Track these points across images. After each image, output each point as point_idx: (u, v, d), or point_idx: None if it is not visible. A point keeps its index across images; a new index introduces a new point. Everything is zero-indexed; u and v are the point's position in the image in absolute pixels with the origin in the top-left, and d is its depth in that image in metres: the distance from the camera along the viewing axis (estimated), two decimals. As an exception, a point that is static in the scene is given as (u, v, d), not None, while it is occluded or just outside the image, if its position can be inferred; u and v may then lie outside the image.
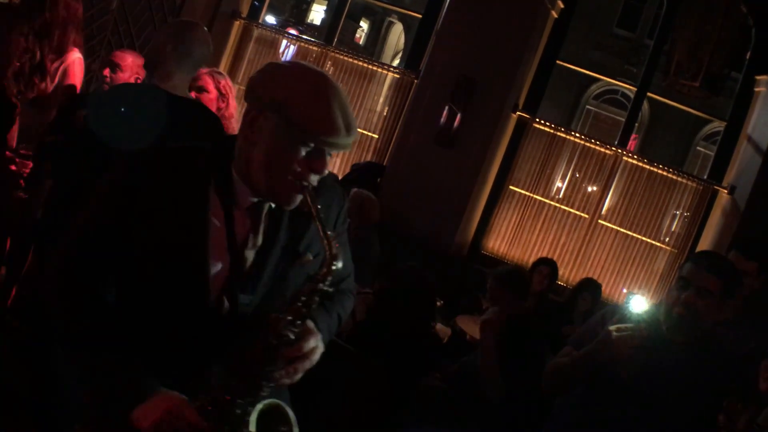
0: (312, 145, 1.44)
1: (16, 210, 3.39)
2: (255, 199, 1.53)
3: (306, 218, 1.52)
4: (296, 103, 1.42)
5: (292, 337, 1.44)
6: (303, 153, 1.44)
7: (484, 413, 3.36)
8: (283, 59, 1.30)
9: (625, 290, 6.19)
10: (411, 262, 3.58)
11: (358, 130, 6.67)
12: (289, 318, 1.43)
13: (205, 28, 2.85)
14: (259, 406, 1.42)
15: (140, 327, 1.52)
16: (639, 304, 2.17)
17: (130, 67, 3.82)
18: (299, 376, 1.49)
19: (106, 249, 1.51)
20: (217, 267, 1.51)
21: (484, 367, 3.33)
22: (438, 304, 3.87)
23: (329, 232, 1.46)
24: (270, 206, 1.56)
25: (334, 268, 1.45)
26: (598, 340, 2.20)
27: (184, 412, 1.38)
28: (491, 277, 3.78)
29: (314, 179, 1.48)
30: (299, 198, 1.49)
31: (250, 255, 1.55)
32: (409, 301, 3.14)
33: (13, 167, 3.51)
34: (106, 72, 3.84)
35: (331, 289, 1.49)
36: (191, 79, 3.27)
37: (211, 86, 3.65)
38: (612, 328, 2.16)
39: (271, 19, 15.08)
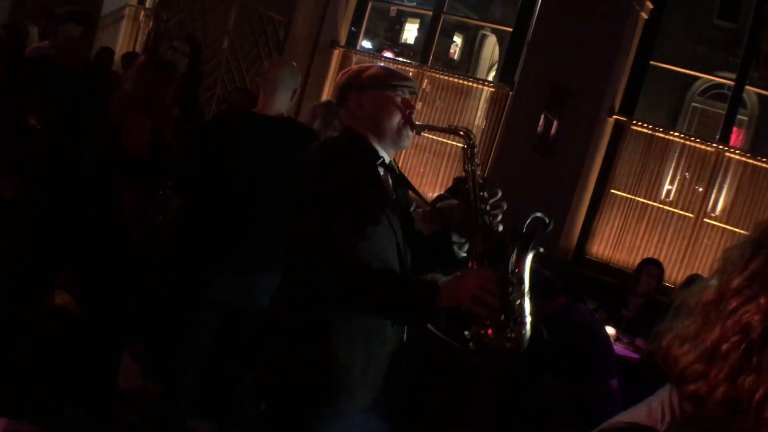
0: (401, 93, 2.07)
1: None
2: (388, 159, 2.10)
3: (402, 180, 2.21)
4: (382, 75, 2.08)
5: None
6: (399, 101, 2.07)
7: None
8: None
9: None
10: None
11: (458, 145, 6.89)
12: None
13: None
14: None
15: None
16: None
17: None
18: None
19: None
20: None
21: None
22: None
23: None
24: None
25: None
26: None
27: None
28: None
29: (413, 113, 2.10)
30: (411, 136, 2.11)
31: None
32: None
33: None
34: None
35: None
36: None
37: None
38: None
39: (367, 44, 15.56)
